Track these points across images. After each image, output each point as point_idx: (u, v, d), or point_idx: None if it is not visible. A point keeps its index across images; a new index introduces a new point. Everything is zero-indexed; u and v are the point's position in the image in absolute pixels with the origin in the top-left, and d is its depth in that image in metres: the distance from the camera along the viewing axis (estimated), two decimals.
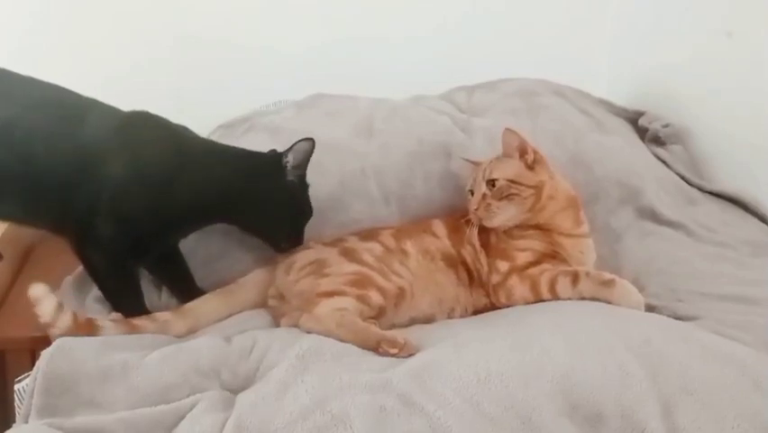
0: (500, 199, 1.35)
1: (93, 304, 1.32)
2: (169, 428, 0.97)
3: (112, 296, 1.29)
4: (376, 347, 1.10)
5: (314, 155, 1.34)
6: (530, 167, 1.38)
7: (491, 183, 1.37)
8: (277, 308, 1.29)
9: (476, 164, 1.45)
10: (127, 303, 1.28)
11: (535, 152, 1.40)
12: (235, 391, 1.05)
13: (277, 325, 1.26)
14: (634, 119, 1.84)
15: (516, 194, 1.35)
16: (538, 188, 1.36)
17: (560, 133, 1.65)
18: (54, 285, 1.38)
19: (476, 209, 1.36)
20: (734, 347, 1.09)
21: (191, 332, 1.26)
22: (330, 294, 1.22)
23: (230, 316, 1.29)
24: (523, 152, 1.39)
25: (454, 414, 0.96)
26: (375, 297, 1.23)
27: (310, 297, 1.23)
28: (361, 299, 1.22)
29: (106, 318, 1.23)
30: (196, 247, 1.41)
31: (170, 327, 1.25)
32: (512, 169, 1.38)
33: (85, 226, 1.22)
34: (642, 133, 1.81)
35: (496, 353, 1.07)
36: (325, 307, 1.19)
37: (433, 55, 1.92)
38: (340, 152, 1.52)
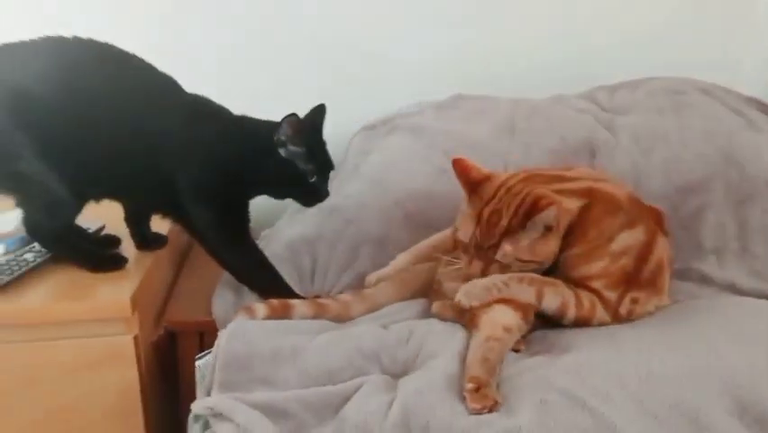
0: None
1: (251, 296, 1.36)
2: (337, 409, 1.01)
3: (256, 283, 1.35)
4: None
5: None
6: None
7: None
8: (433, 297, 1.32)
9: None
10: (272, 284, 1.33)
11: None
12: (395, 376, 1.09)
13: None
14: None
15: None
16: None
17: (709, 131, 1.58)
18: (212, 279, 1.46)
19: None
20: None
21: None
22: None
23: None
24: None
25: (618, 410, 0.95)
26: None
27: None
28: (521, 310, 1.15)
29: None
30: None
31: (351, 308, 1.30)
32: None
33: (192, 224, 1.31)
34: None
35: (656, 352, 1.06)
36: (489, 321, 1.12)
37: (570, 56, 1.89)
38: (482, 151, 1.52)
